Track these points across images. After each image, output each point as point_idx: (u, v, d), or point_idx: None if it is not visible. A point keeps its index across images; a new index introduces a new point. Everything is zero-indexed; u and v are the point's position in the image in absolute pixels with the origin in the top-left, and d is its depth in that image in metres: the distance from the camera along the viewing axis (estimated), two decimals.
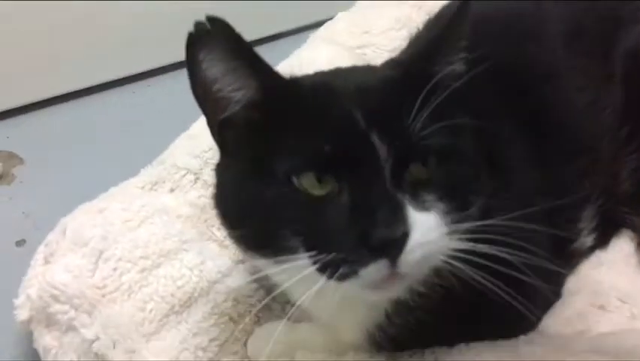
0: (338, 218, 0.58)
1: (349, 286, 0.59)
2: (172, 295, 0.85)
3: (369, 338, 0.76)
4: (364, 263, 0.56)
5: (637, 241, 0.92)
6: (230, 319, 0.85)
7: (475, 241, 0.62)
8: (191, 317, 0.84)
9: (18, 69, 1.39)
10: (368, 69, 0.78)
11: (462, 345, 0.75)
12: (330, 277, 0.58)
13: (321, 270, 0.58)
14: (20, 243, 1.14)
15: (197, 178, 1.02)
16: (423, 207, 0.59)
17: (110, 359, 0.81)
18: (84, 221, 0.93)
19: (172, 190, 1.01)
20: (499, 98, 0.81)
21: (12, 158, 1.34)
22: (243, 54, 0.62)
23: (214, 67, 0.62)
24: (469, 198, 0.64)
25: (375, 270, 0.56)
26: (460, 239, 0.62)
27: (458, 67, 0.67)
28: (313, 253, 0.58)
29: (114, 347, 0.81)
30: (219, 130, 0.68)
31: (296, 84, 0.66)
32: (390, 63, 0.77)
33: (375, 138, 0.59)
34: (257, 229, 0.64)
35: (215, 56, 0.61)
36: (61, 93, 1.46)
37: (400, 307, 0.72)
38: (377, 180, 0.58)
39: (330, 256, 0.57)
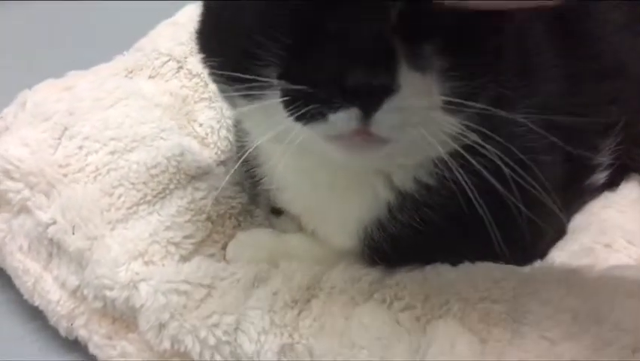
0: (320, 46, 0.49)
1: (317, 134, 0.51)
2: (144, 183, 0.74)
3: (366, 239, 0.68)
4: (334, 107, 0.48)
5: None
6: (208, 218, 0.76)
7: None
8: (164, 210, 0.74)
9: None
10: None
11: (467, 263, 0.67)
12: (296, 113, 0.50)
13: (288, 104, 0.50)
14: None
15: (181, 67, 0.91)
16: (420, 65, 0.50)
17: (67, 246, 0.70)
18: (48, 95, 0.82)
19: (151, 77, 0.90)
20: None
21: None
22: None
23: None
24: (482, 79, 0.54)
25: (344, 117, 0.48)
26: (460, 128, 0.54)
27: None
28: (284, 82, 0.50)
29: (73, 233, 0.70)
30: None
31: None
32: None
33: None
34: (235, 51, 0.54)
35: None
36: None
37: (404, 201, 0.64)
38: (378, 16, 0.48)
39: (301, 88, 0.49)
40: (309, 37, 0.50)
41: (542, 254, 0.75)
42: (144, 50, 0.94)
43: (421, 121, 0.51)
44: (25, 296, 0.75)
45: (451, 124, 0.54)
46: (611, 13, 0.80)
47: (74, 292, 0.71)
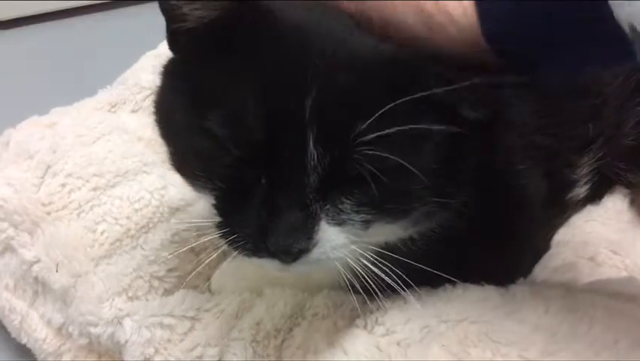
0: (250, 199, 0.53)
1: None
2: (128, 217, 0.75)
3: (347, 281, 0.69)
4: (259, 255, 0.54)
5: (631, 198, 0.88)
6: (192, 250, 0.76)
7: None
8: (148, 244, 0.75)
9: None
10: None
11: (447, 285, 0.68)
12: (230, 246, 0.56)
13: (224, 237, 0.56)
14: None
15: None
16: (338, 219, 0.54)
17: (52, 283, 0.71)
18: (31, 133, 0.83)
19: (134, 111, 0.92)
20: None
21: None
22: None
23: None
24: (405, 209, 0.56)
25: (268, 263, 0.55)
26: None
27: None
28: (221, 220, 0.56)
29: (57, 270, 0.71)
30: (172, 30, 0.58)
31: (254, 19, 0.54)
32: None
33: (311, 141, 0.50)
34: (181, 161, 0.61)
35: None
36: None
37: (382, 254, 0.65)
38: (299, 180, 0.51)
39: (233, 236, 0.55)
40: (239, 189, 0.54)
41: (525, 272, 0.76)
42: (127, 84, 0.95)
43: (340, 260, 0.55)
44: (13, 335, 0.75)
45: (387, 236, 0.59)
46: None
47: (60, 330, 0.71)
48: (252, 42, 0.53)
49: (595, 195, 0.87)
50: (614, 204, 0.88)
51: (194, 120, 0.54)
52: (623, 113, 0.83)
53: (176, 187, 0.82)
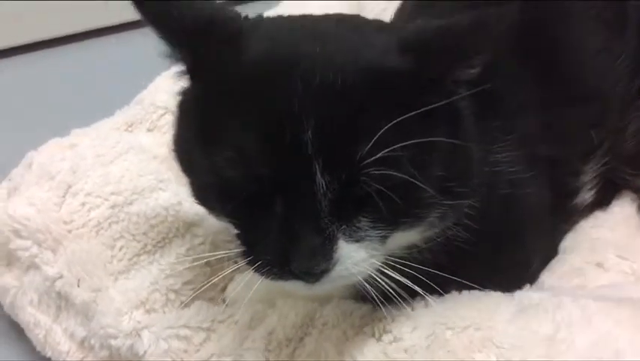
0: (269, 227, 0.55)
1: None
2: (144, 233, 0.78)
3: (358, 291, 0.71)
4: (283, 278, 0.56)
5: (638, 203, 0.89)
6: (207, 263, 0.79)
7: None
8: (164, 258, 0.77)
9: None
10: (358, 36, 0.59)
11: (454, 292, 0.69)
12: (253, 268, 0.58)
13: (250, 264, 0.58)
14: None
15: None
16: (356, 236, 0.55)
17: (74, 298, 0.74)
18: (52, 154, 0.86)
19: (149, 130, 0.95)
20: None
21: None
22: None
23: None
24: (418, 218, 0.58)
25: (292, 285, 0.57)
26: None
27: (464, 74, 0.57)
28: (244, 247, 0.59)
29: (78, 285, 0.74)
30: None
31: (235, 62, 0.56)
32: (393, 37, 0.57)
33: (317, 171, 0.52)
34: (199, 193, 0.64)
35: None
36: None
37: (395, 261, 0.67)
38: (311, 207, 0.53)
39: (258, 262, 0.57)
40: (256, 220, 0.56)
41: (532, 278, 0.77)
42: (143, 104, 0.99)
43: (362, 273, 0.57)
44: (38, 348, 0.79)
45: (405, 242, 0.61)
46: (588, 38, 0.82)
47: (82, 343, 0.74)
48: (237, 79, 0.55)
49: (602, 201, 0.87)
50: (622, 209, 0.88)
51: (205, 160, 0.57)
52: (625, 118, 0.84)
53: (190, 202, 0.85)
